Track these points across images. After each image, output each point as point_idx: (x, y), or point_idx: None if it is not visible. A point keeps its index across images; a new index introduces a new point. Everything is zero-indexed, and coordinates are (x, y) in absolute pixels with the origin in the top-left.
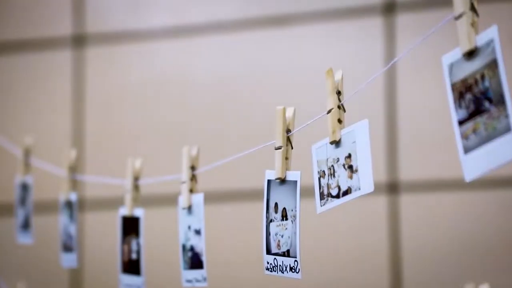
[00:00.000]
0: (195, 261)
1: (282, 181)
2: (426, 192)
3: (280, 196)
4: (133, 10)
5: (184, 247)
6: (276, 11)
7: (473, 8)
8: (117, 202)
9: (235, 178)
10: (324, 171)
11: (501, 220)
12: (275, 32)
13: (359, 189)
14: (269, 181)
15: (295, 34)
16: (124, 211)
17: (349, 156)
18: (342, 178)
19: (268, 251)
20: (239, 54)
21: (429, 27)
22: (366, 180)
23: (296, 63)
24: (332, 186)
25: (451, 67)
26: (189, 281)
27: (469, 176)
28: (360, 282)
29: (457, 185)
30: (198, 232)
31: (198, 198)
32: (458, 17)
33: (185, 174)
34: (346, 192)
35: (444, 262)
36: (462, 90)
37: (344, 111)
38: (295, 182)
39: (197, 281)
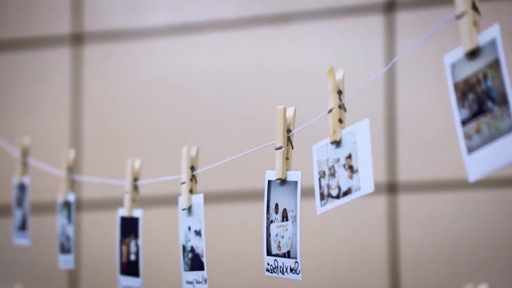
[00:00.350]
0: (195, 262)
1: (283, 181)
2: (425, 192)
3: (280, 197)
4: (132, 9)
5: (184, 248)
6: (276, 9)
7: (474, 7)
8: (115, 203)
9: (235, 178)
10: (324, 172)
11: (501, 220)
12: (275, 30)
13: (360, 189)
14: (269, 182)
15: (295, 33)
16: (123, 211)
17: (350, 156)
18: (343, 179)
19: (269, 252)
20: (239, 53)
21: (429, 25)
22: (366, 180)
23: (296, 62)
24: (333, 186)
25: (453, 66)
26: (189, 282)
27: (473, 177)
28: (359, 282)
29: (457, 185)
30: (198, 233)
31: (198, 199)
32: (459, 16)
33: (185, 175)
34: (346, 193)
35: (442, 262)
36: (464, 89)
37: (345, 110)
38: (296, 182)
39: (198, 282)
